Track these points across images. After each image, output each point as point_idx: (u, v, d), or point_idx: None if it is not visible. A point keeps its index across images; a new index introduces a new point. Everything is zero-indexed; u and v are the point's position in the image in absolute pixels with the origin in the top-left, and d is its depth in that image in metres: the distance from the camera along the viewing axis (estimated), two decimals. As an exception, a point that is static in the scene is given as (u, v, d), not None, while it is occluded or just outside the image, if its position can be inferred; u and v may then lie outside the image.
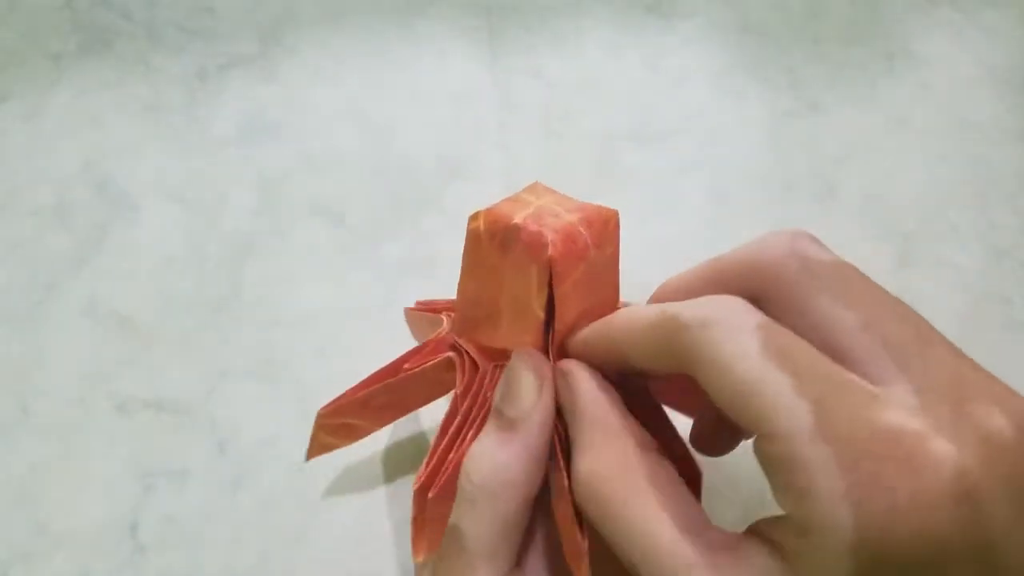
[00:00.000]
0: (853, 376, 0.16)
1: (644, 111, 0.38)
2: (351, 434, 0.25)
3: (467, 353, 0.22)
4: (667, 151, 0.37)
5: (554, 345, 0.21)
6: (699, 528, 0.16)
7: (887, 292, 0.18)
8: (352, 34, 0.40)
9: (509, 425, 0.19)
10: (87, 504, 0.27)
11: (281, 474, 0.28)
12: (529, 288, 0.20)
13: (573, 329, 0.21)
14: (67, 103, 0.36)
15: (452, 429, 0.21)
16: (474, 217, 0.21)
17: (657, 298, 0.22)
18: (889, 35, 0.42)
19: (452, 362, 0.22)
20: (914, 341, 0.16)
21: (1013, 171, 0.38)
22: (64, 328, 0.30)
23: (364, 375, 0.24)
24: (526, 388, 0.20)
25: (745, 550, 0.16)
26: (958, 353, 0.16)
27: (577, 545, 0.19)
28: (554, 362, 0.21)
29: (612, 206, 0.22)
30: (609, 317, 0.20)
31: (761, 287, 0.19)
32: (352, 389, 0.24)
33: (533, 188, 0.22)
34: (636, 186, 0.36)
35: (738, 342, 0.16)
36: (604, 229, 0.21)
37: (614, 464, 0.18)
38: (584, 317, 0.21)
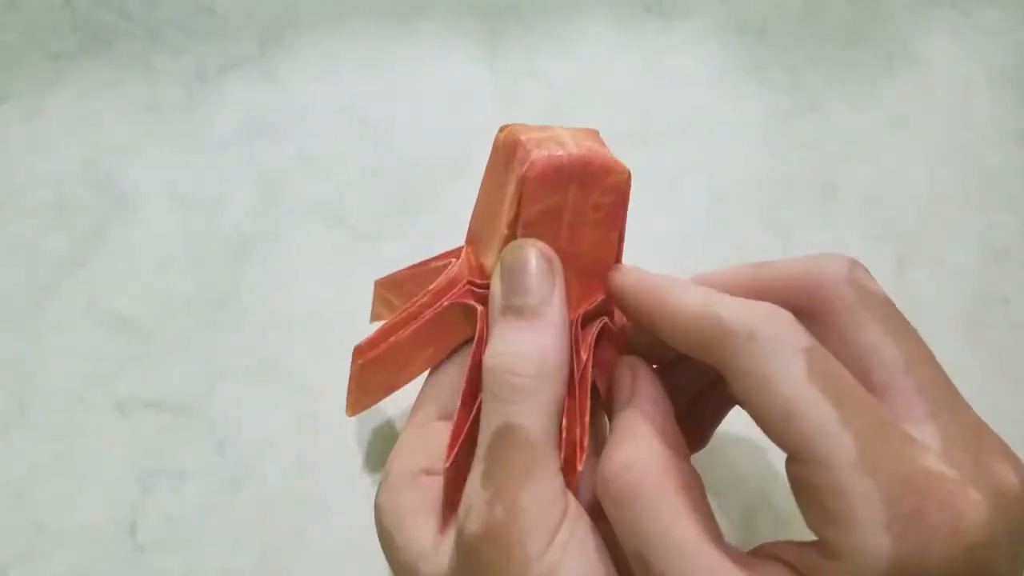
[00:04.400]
0: (888, 413, 0.16)
1: (644, 111, 0.38)
2: (383, 388, 0.23)
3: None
4: (667, 151, 0.37)
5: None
6: (719, 540, 0.17)
7: (918, 332, 0.19)
8: (352, 34, 0.40)
9: (532, 313, 0.19)
10: (86, 504, 0.27)
11: (281, 474, 0.28)
12: (505, 202, 0.19)
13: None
14: (67, 103, 0.36)
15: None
16: (502, 128, 0.21)
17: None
18: (889, 35, 0.42)
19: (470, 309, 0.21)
20: (944, 388, 0.18)
21: (1013, 171, 0.38)
22: (64, 328, 0.30)
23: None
24: (543, 274, 0.19)
25: (763, 567, 0.16)
26: (973, 411, 0.18)
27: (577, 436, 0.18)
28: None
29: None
30: (653, 285, 0.20)
31: (811, 304, 0.19)
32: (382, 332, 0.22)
33: (584, 129, 0.21)
34: (636, 186, 0.36)
35: (784, 362, 0.16)
36: (600, 176, 0.20)
37: (651, 461, 0.17)
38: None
